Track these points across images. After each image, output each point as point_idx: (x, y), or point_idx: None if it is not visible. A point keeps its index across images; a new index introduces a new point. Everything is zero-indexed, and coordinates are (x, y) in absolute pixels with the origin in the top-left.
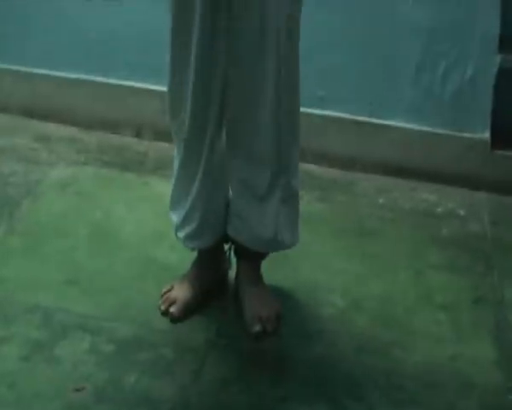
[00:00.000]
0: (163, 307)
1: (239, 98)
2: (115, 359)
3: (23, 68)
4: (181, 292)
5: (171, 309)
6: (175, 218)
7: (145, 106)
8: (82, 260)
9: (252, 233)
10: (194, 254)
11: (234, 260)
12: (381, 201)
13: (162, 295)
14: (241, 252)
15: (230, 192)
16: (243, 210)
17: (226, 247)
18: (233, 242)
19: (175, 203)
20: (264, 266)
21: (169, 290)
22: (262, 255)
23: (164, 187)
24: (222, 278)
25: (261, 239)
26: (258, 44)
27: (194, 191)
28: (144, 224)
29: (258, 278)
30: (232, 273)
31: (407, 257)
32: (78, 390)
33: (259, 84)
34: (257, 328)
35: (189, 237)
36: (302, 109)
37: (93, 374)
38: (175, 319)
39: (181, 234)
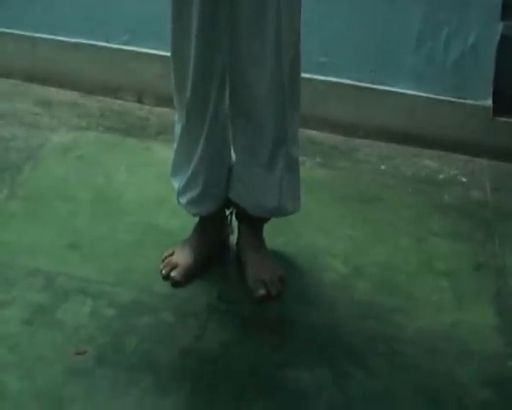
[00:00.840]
0: (164, 272)
1: (240, 65)
2: (116, 323)
3: (24, 33)
4: (182, 257)
5: (173, 273)
6: (176, 183)
7: (146, 70)
8: (83, 225)
9: (255, 200)
10: (196, 219)
11: (235, 224)
12: (383, 167)
13: (163, 260)
14: (243, 216)
15: (233, 157)
16: (246, 176)
17: (228, 211)
18: (235, 206)
19: (177, 169)
20: (266, 230)
21: (170, 255)
22: (264, 220)
23: (166, 152)
24: (223, 243)
25: (264, 206)
26: (259, 10)
27: (196, 157)
28: (146, 189)
29: (260, 242)
30: (233, 238)
31: (409, 224)
32: (79, 354)
33: (261, 51)
34: (261, 291)
35: (190, 203)
36: (304, 75)
37: (94, 338)
38: (176, 284)
39: (183, 200)
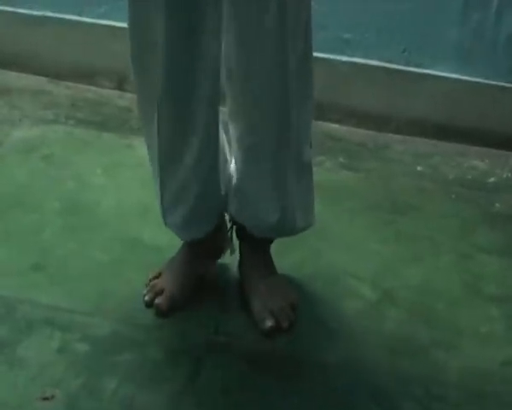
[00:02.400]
0: (147, 298)
1: (232, 53)
2: (91, 361)
3: None
4: (170, 280)
5: (158, 301)
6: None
7: (128, 50)
8: (51, 241)
9: (255, 215)
10: None
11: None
12: (419, 168)
13: (147, 284)
14: (244, 235)
15: (232, 166)
16: (246, 187)
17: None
18: (234, 223)
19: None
20: (275, 248)
21: (156, 277)
22: (269, 239)
23: None
24: (216, 263)
25: (266, 223)
26: None
27: (184, 165)
28: (127, 196)
29: (267, 263)
30: (236, 256)
31: (451, 238)
32: (46, 399)
33: (260, 25)
34: (269, 323)
35: (178, 227)
36: (324, 55)
37: (64, 379)
38: (162, 313)
39: (169, 222)
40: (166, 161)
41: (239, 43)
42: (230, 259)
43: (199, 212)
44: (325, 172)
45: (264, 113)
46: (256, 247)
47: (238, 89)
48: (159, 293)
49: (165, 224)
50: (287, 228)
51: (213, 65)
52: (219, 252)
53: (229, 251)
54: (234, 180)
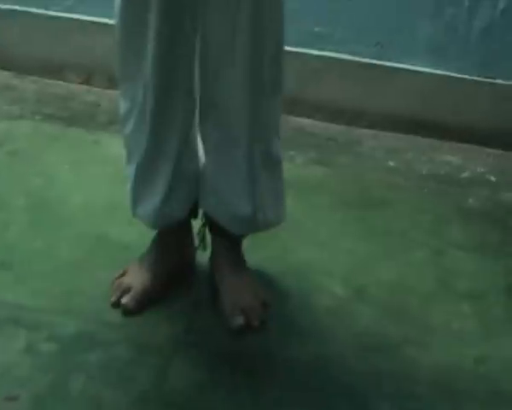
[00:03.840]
0: (113, 298)
1: (205, 49)
2: (57, 360)
3: None
4: (136, 278)
5: (124, 300)
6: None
7: (96, 44)
8: (16, 239)
9: (227, 210)
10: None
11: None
12: (391, 164)
13: (113, 282)
14: (217, 229)
15: (202, 160)
16: (217, 182)
17: (199, 220)
18: (207, 218)
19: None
20: (247, 244)
21: (121, 276)
22: (242, 234)
23: (119, 146)
24: (191, 259)
25: (238, 217)
26: None
27: (157, 154)
28: (94, 192)
29: (238, 259)
30: (206, 254)
31: (424, 234)
32: (10, 399)
33: (234, 23)
34: (239, 320)
35: (150, 214)
36: (294, 49)
37: (30, 379)
38: (128, 312)
39: (139, 210)
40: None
41: (211, 41)
42: (203, 256)
43: (172, 197)
44: (296, 167)
45: (236, 107)
46: (228, 242)
47: (210, 84)
48: (125, 292)
49: (134, 214)
50: (258, 223)
51: (191, 59)
52: (189, 251)
53: (201, 247)
54: (205, 176)
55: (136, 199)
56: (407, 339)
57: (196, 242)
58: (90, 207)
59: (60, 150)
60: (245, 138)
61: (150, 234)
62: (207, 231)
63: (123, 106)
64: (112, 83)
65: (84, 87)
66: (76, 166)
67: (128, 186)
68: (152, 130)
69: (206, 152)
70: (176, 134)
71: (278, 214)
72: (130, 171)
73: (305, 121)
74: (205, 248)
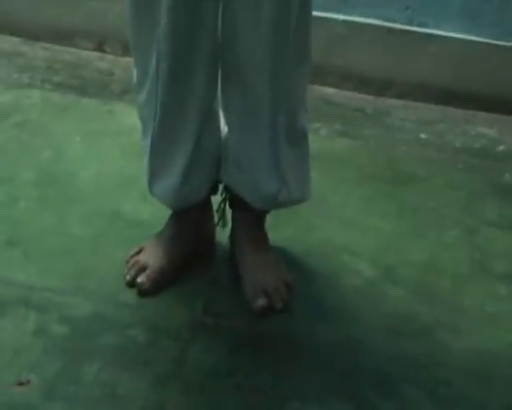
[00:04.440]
0: (129, 277)
1: (232, 5)
2: (69, 344)
3: None
4: (153, 256)
5: (140, 279)
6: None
7: (109, 9)
8: (25, 215)
9: (250, 183)
10: None
11: (229, 213)
12: (423, 136)
13: (128, 261)
14: (239, 205)
15: (226, 134)
16: (241, 155)
17: (220, 194)
18: (228, 192)
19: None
20: (269, 222)
21: (137, 254)
22: (266, 210)
23: (134, 116)
24: (210, 237)
25: (262, 191)
26: None
27: (176, 129)
28: (107, 166)
29: (261, 238)
30: (226, 231)
31: (457, 211)
32: (21, 384)
33: None
34: (261, 302)
35: (168, 193)
36: (320, 14)
37: (41, 364)
38: (144, 292)
39: (157, 189)
40: (165, 115)
41: (235, 5)
42: (223, 233)
43: (192, 175)
44: (321, 139)
45: (259, 71)
46: (250, 218)
47: (232, 46)
48: (141, 270)
49: (151, 193)
50: (282, 198)
51: (213, 25)
52: (209, 227)
53: (221, 224)
54: (228, 147)
55: (153, 176)
56: (438, 322)
57: (216, 218)
58: (103, 182)
59: (70, 121)
60: (268, 106)
61: (167, 210)
62: (228, 206)
63: (135, 74)
64: (126, 50)
65: (97, 54)
66: (88, 138)
67: (144, 161)
68: (166, 101)
69: (229, 122)
70: (197, 104)
71: (304, 191)
72: (145, 145)
73: (331, 91)
74: (225, 225)
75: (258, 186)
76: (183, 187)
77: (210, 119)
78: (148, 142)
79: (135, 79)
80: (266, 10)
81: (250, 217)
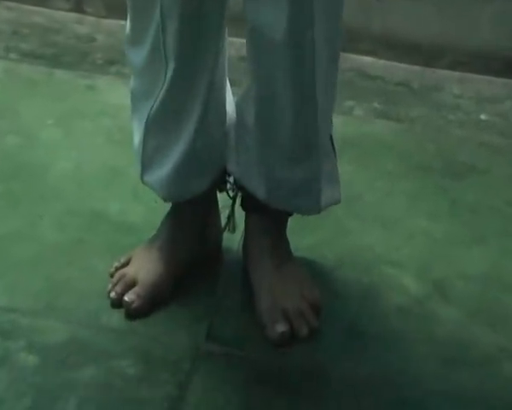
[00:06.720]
0: (113, 294)
1: None
2: (40, 377)
3: None
4: (144, 268)
5: (127, 297)
6: (137, 150)
7: None
8: None
9: (267, 179)
10: (168, 206)
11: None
12: (483, 117)
13: (113, 274)
14: (253, 206)
15: (231, 114)
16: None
17: (228, 192)
18: (239, 189)
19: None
20: (292, 226)
21: (124, 265)
22: (288, 212)
23: (120, 94)
24: (214, 243)
25: (282, 189)
26: None
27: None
28: (88, 156)
29: (282, 247)
30: (234, 238)
31: None
32: None
33: None
34: (280, 327)
35: (162, 182)
36: None
37: (5, 401)
38: (133, 313)
39: (149, 177)
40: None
41: None
42: (232, 239)
43: (194, 158)
44: (355, 121)
45: (281, 51)
46: (266, 222)
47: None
48: (129, 286)
49: (143, 180)
50: (314, 206)
51: None
52: (215, 231)
53: (230, 228)
54: (235, 132)
55: (146, 160)
56: (503, 350)
57: (223, 221)
58: (83, 175)
59: (42, 99)
60: (291, 91)
61: (162, 210)
62: (239, 206)
63: (129, 25)
64: (110, 10)
65: (74, 15)
66: (63, 120)
67: (135, 143)
68: (178, 58)
69: (243, 110)
70: (203, 72)
71: (333, 192)
72: (137, 122)
73: (368, 60)
74: (234, 230)
75: (275, 181)
76: (182, 172)
77: (215, 91)
78: (142, 118)
79: (128, 30)
80: None
81: (267, 221)
